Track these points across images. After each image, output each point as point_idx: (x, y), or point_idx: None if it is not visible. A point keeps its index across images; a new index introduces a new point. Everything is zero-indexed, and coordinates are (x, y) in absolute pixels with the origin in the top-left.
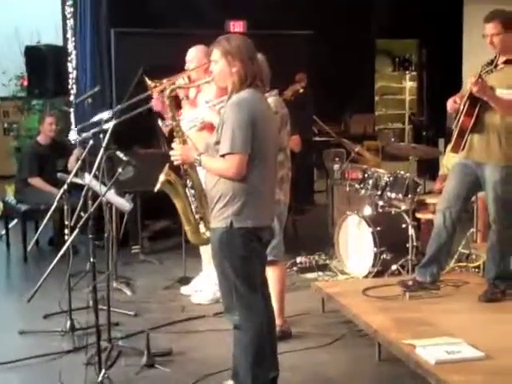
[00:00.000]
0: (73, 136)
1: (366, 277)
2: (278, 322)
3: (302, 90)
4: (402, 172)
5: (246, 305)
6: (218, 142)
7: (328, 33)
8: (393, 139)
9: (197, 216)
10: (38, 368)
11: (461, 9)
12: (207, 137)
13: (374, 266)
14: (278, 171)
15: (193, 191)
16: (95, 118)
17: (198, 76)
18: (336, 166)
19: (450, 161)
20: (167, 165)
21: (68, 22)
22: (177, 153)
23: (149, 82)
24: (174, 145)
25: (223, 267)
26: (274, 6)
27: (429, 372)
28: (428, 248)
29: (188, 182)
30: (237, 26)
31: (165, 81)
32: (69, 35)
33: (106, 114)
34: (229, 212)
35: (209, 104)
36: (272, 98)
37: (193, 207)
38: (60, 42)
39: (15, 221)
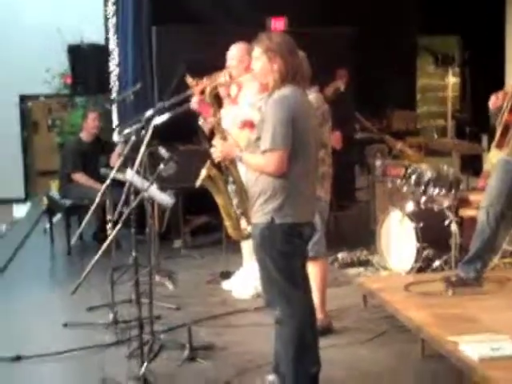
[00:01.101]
0: (116, 137)
1: (409, 272)
2: (319, 316)
3: (343, 87)
4: (445, 168)
5: (287, 299)
6: (258, 139)
7: (369, 29)
8: (435, 135)
9: (238, 211)
10: (82, 360)
11: (503, 6)
12: (248, 134)
13: (416, 261)
14: (319, 168)
15: (234, 187)
16: (143, 116)
17: (240, 73)
18: (378, 163)
19: (495, 157)
20: (208, 161)
21: (110, 20)
22: (218, 149)
23: (190, 79)
24: (214, 141)
25: (265, 262)
26: (314, 3)
27: (473, 369)
28: (471, 244)
29: (229, 177)
30: (277, 24)
31: (205, 79)
32: (110, 34)
33: (149, 111)
34: (269, 208)
35: (250, 102)
36: (313, 95)
37: (234, 203)
38: (102, 41)
39: (59, 215)
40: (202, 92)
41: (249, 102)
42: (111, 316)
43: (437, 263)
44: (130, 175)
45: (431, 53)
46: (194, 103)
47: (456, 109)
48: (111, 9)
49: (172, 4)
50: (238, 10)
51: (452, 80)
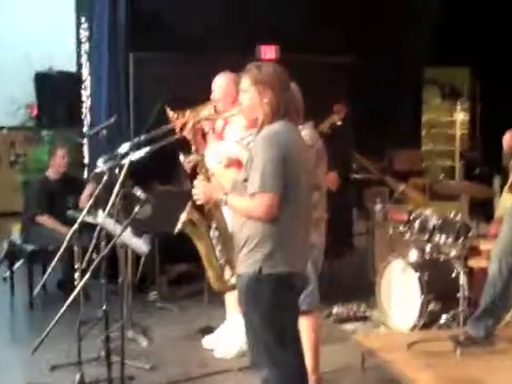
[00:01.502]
0: (86, 175)
1: (412, 329)
2: (311, 379)
3: (340, 122)
4: (453, 213)
5: (276, 360)
6: (246, 180)
7: (370, 59)
8: (442, 176)
9: (221, 260)
10: None
11: None
12: (234, 174)
13: (420, 317)
14: (312, 212)
15: (217, 233)
16: (117, 152)
17: (226, 107)
18: (378, 207)
19: (508, 201)
20: (189, 203)
21: (82, 46)
22: (200, 190)
23: (171, 112)
24: (196, 182)
25: (250, 317)
26: (310, 30)
27: None
28: (482, 299)
29: (212, 222)
30: (268, 51)
31: (188, 112)
32: (83, 61)
33: (124, 147)
34: (257, 256)
35: (236, 139)
36: (307, 131)
37: (217, 251)
38: (73, 69)
39: (21, 262)
40: (184, 126)
41: (236, 137)
42: (77, 376)
43: (443, 319)
44: (101, 218)
45: (438, 85)
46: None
47: (465, 147)
48: (84, 33)
49: (152, 29)
50: (225, 36)
51: (460, 115)
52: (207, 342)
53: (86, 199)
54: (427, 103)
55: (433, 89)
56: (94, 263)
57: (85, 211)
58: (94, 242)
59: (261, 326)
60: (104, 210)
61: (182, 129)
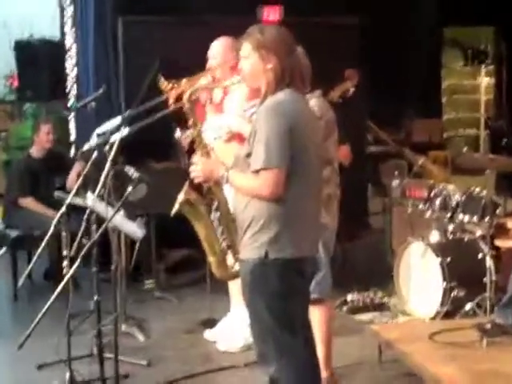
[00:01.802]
0: (74, 153)
1: (434, 318)
2: (323, 374)
3: (352, 90)
4: (478, 189)
5: (285, 352)
6: (249, 155)
7: (384, 19)
8: (465, 148)
9: (223, 244)
10: None
11: None
12: (236, 149)
13: (443, 304)
14: (323, 189)
15: (218, 214)
16: (107, 125)
17: (225, 75)
18: (395, 182)
19: None
20: (187, 182)
21: (65, 10)
22: (199, 168)
23: (164, 82)
24: (194, 158)
25: (256, 307)
26: None
27: None
28: (510, 283)
29: (212, 203)
30: (271, 13)
31: (184, 81)
32: (67, 27)
33: (115, 121)
34: (263, 240)
35: (238, 110)
36: (315, 100)
37: (218, 234)
38: (57, 36)
39: (3, 250)
40: (179, 97)
41: (236, 109)
42: (67, 375)
43: (468, 306)
44: (91, 200)
45: (460, 47)
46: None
47: (490, 115)
48: None
49: None
50: None
51: (485, 80)
52: (210, 335)
53: (73, 179)
54: (448, 67)
55: (453, 51)
56: (84, 250)
57: (73, 192)
58: (83, 226)
59: (267, 316)
60: (94, 191)
61: (177, 100)
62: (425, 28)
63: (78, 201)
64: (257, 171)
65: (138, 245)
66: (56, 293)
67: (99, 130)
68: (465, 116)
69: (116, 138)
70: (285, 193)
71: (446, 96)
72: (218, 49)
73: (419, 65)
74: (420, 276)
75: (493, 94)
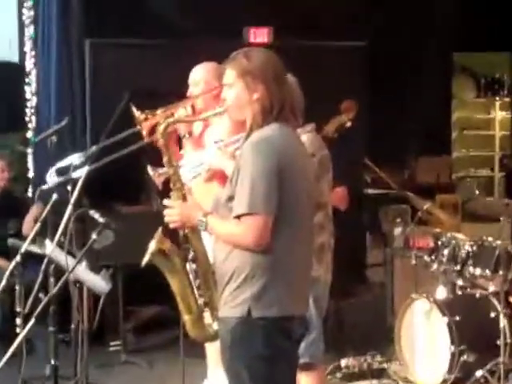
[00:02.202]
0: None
1: None
2: None
3: (349, 124)
4: (491, 238)
5: None
6: (231, 198)
7: (386, 44)
8: (477, 192)
9: (200, 301)
10: None
11: None
12: (217, 190)
13: (450, 371)
14: (315, 237)
15: (195, 266)
16: (65, 162)
17: (206, 105)
18: (397, 231)
19: None
20: (160, 228)
21: (26, 30)
22: (174, 212)
23: (137, 112)
24: (169, 201)
25: (237, 373)
26: (311, 8)
27: None
28: None
29: (189, 253)
30: (259, 35)
31: (159, 111)
32: (27, 48)
33: (76, 158)
34: (245, 295)
35: (219, 144)
36: (307, 136)
37: (195, 288)
38: (15, 59)
39: None
40: (154, 130)
41: (218, 144)
42: None
43: (479, 373)
44: (49, 248)
45: (472, 75)
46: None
47: (506, 153)
48: (28, 14)
49: (112, 9)
50: (205, 16)
51: (500, 113)
52: None
53: (30, 224)
54: (458, 98)
55: (465, 80)
56: (41, 306)
57: (29, 239)
58: (40, 278)
59: (249, 381)
60: (53, 237)
61: (151, 133)
62: (432, 53)
63: (35, 249)
64: (239, 217)
65: (102, 301)
66: (7, 355)
67: (59, 166)
68: (477, 154)
69: (79, 176)
70: (271, 242)
71: (455, 131)
72: (199, 75)
73: (426, 95)
74: (425, 338)
75: (509, 130)
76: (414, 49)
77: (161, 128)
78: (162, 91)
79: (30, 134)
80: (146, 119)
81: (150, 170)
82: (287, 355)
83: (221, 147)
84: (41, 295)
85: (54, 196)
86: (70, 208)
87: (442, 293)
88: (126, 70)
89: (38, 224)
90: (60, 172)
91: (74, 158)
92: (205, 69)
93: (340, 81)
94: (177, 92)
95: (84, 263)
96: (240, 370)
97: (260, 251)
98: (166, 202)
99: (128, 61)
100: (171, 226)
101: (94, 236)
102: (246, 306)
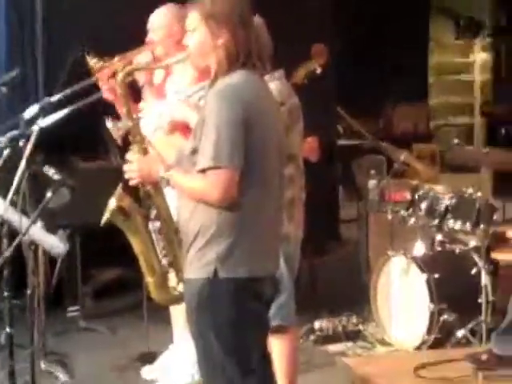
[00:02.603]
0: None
1: (419, 348)
2: None
3: (319, 70)
4: (471, 190)
5: None
6: (195, 151)
7: None
8: (456, 141)
9: (164, 261)
10: None
11: None
12: (180, 142)
13: (430, 331)
14: (285, 191)
15: (158, 224)
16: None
17: (167, 51)
18: (372, 183)
19: None
20: (120, 185)
21: None
22: (134, 167)
23: (93, 60)
24: (129, 155)
25: (204, 337)
26: None
27: None
28: (510, 305)
29: (151, 210)
30: None
31: (116, 59)
32: None
33: (31, 110)
34: (211, 255)
35: (181, 94)
36: (276, 83)
37: (158, 248)
38: None
39: None
40: (111, 78)
41: (180, 93)
42: None
43: (460, 333)
44: (1, 208)
45: (451, 16)
46: (105, 91)
47: (487, 100)
48: None
49: None
50: None
51: (481, 56)
52: (148, 372)
53: None
54: (436, 41)
55: (442, 21)
56: None
57: None
58: None
59: (217, 348)
60: (5, 196)
61: (108, 83)
62: None
63: None
64: (203, 170)
65: (59, 263)
66: None
67: (11, 121)
68: (456, 100)
69: (33, 130)
70: (238, 197)
71: (433, 76)
72: (159, 19)
73: (401, 38)
74: (402, 297)
75: (490, 73)
76: None
77: (119, 77)
78: (120, 38)
79: None
80: (102, 68)
81: (108, 123)
82: (257, 318)
83: (184, 97)
84: None
85: (6, 152)
86: (22, 164)
87: (419, 249)
88: (80, 13)
89: None
90: (10, 126)
91: (28, 111)
92: (165, 12)
93: (310, 23)
94: (135, 38)
95: (39, 223)
96: (207, 334)
97: (226, 207)
98: (126, 156)
99: (82, 3)
100: (132, 182)
101: (49, 194)
102: (212, 267)
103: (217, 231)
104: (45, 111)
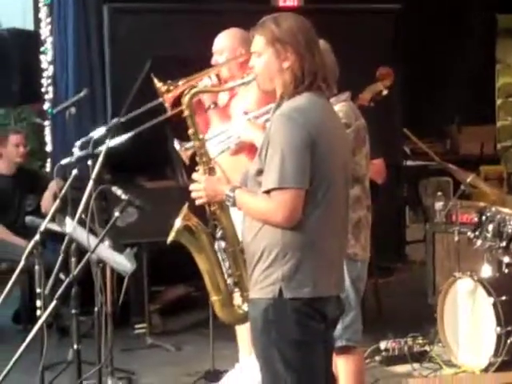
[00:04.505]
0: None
1: (486, 371)
2: None
3: (386, 92)
4: None
5: None
6: (260, 172)
7: (425, 6)
8: None
9: (229, 281)
10: None
11: None
12: (245, 163)
13: (497, 354)
14: (351, 213)
15: (223, 244)
16: (90, 138)
17: (232, 74)
18: (439, 205)
19: None
20: (186, 204)
21: None
22: (200, 187)
23: (158, 84)
24: (195, 175)
25: (269, 357)
26: None
27: None
28: None
29: (217, 230)
30: None
31: (181, 82)
32: (42, 15)
33: (99, 130)
34: (277, 276)
35: (248, 116)
36: (342, 105)
37: (224, 268)
38: (30, 26)
39: None
40: (177, 102)
41: (248, 115)
42: None
43: None
44: (70, 227)
45: None
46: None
47: None
48: None
49: None
50: None
51: None
52: None
53: (49, 201)
54: (503, 62)
55: (509, 43)
56: (62, 288)
57: (48, 217)
58: (60, 258)
59: (282, 368)
60: (74, 215)
61: (174, 105)
62: (474, 15)
63: (55, 227)
64: (269, 192)
65: (126, 281)
66: (28, 339)
67: (80, 141)
68: None
69: (101, 150)
70: (302, 218)
71: (500, 98)
72: (224, 42)
73: (468, 60)
74: (469, 319)
75: None
76: (454, 10)
77: (185, 99)
78: (186, 59)
79: (46, 106)
80: (168, 91)
81: (176, 144)
82: (322, 338)
83: (250, 118)
84: (61, 276)
85: (74, 171)
86: (90, 184)
87: (486, 271)
88: (148, 36)
89: (58, 201)
90: (81, 146)
91: (96, 132)
92: (230, 35)
93: (375, 46)
94: (201, 60)
95: (107, 242)
96: (272, 354)
97: (291, 228)
98: (193, 176)
99: (149, 27)
100: (198, 202)
101: (116, 213)
102: (277, 287)
103: (281, 252)
104: (113, 131)
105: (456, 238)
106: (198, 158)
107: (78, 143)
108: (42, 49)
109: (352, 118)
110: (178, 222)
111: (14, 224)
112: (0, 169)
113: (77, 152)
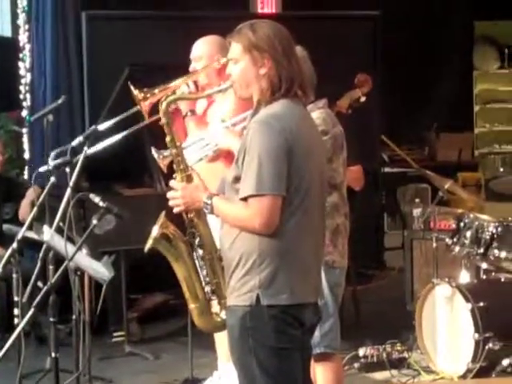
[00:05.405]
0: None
1: (464, 377)
2: None
3: (363, 99)
4: None
5: None
6: (237, 179)
7: (403, 13)
8: (502, 169)
9: (207, 288)
10: None
11: None
12: (223, 171)
13: (475, 360)
14: (329, 220)
15: (201, 252)
16: (68, 145)
17: (210, 81)
18: (417, 212)
19: None
20: (164, 212)
21: (19, 2)
22: (178, 194)
23: (135, 91)
24: (173, 182)
25: (246, 364)
26: None
27: None
28: None
29: (194, 237)
30: (267, 5)
31: (158, 89)
32: (20, 22)
33: (78, 138)
34: (254, 283)
35: (226, 123)
36: (319, 112)
37: (201, 275)
38: (8, 33)
39: None
40: (154, 109)
41: (224, 122)
42: None
43: (506, 362)
44: (47, 235)
45: (494, 45)
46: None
47: None
48: None
49: None
50: None
51: None
52: None
53: (26, 209)
54: (480, 69)
55: (487, 50)
56: (40, 296)
57: (25, 225)
58: (38, 266)
59: (260, 375)
60: (51, 223)
61: (151, 113)
62: (452, 22)
63: (32, 235)
64: (246, 199)
65: (104, 289)
66: (5, 348)
67: (55, 152)
68: (501, 129)
69: (79, 158)
70: (280, 225)
71: (478, 105)
72: (202, 49)
73: (445, 67)
74: (447, 326)
75: None
76: (432, 18)
77: (162, 106)
78: (163, 66)
79: (24, 113)
80: (145, 98)
81: (154, 152)
82: (299, 345)
83: (228, 126)
84: (39, 284)
85: (52, 179)
86: (68, 191)
87: (465, 277)
88: (126, 44)
89: (35, 209)
90: (57, 154)
91: (74, 140)
92: (208, 42)
93: (353, 53)
94: (178, 67)
95: (84, 250)
96: (250, 361)
97: (268, 235)
98: (170, 183)
99: (127, 34)
100: (176, 209)
101: (94, 221)
102: (254, 294)
103: (258, 259)
104: (91, 139)
105: (434, 245)
106: (175, 166)
107: (52, 154)
108: (20, 55)
109: (329, 124)
110: (155, 230)
111: None
112: None
113: (51, 162)
